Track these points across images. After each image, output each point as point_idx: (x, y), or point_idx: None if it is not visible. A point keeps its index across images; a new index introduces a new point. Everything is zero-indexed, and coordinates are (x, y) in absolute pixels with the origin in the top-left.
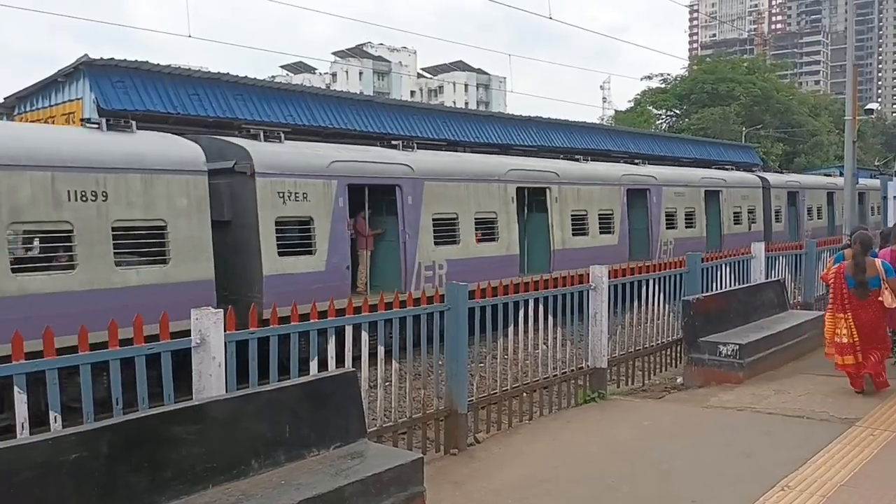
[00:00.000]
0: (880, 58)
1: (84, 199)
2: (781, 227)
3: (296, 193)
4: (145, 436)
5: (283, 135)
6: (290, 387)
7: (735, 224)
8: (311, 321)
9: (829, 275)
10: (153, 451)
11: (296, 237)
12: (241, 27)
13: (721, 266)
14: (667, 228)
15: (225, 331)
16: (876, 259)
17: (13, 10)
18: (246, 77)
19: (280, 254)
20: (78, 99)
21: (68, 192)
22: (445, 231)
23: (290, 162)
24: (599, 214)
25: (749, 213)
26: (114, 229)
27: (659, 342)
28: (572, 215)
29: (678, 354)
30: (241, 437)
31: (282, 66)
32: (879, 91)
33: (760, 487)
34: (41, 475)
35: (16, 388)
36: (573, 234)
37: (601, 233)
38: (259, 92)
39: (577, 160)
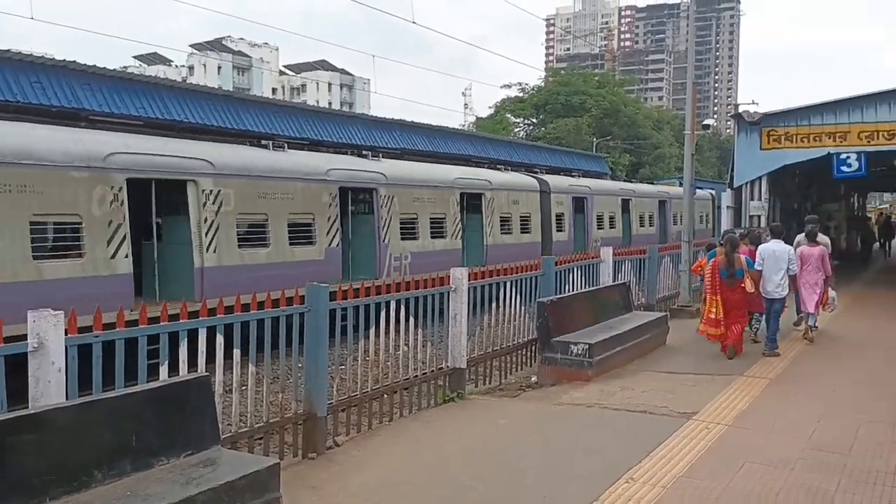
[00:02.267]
0: (717, 77)
1: None
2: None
3: None
4: None
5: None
6: (136, 393)
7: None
8: (161, 324)
9: (705, 268)
10: None
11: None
12: (93, 14)
13: (573, 269)
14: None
15: (66, 334)
16: (741, 255)
17: None
18: (95, 66)
19: None
20: None
21: None
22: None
23: None
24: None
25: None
26: None
27: (515, 342)
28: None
29: (533, 354)
30: (83, 447)
31: (135, 57)
32: (715, 108)
33: (607, 481)
34: None
35: None
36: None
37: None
38: (109, 82)
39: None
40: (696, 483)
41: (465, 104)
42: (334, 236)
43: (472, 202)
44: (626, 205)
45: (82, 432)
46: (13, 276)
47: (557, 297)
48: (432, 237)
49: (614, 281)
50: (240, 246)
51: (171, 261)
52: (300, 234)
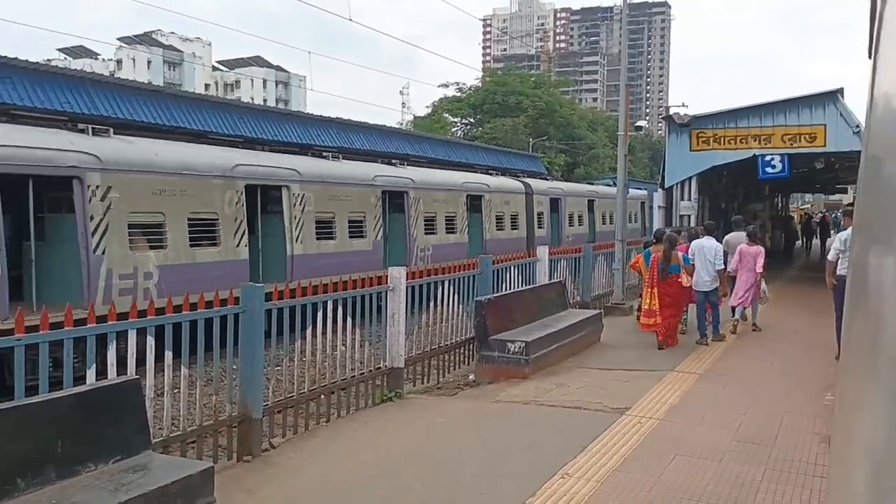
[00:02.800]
0: (648, 80)
1: None
2: (544, 233)
3: None
4: None
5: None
6: (60, 398)
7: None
8: (89, 325)
9: (641, 264)
10: None
11: None
12: (12, 4)
13: (510, 268)
14: (425, 234)
15: None
16: (678, 252)
17: None
18: (16, 58)
19: None
20: None
21: None
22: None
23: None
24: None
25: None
26: None
27: (453, 341)
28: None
29: (471, 352)
30: (3, 456)
31: (59, 49)
32: (647, 110)
33: (543, 476)
34: None
35: None
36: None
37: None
38: (32, 75)
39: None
40: (629, 476)
41: (403, 103)
42: (379, 231)
43: (473, 203)
44: (591, 205)
45: (1, 440)
46: (177, 259)
47: (495, 295)
48: (447, 232)
49: (550, 279)
50: (317, 238)
51: (269, 250)
52: (356, 228)
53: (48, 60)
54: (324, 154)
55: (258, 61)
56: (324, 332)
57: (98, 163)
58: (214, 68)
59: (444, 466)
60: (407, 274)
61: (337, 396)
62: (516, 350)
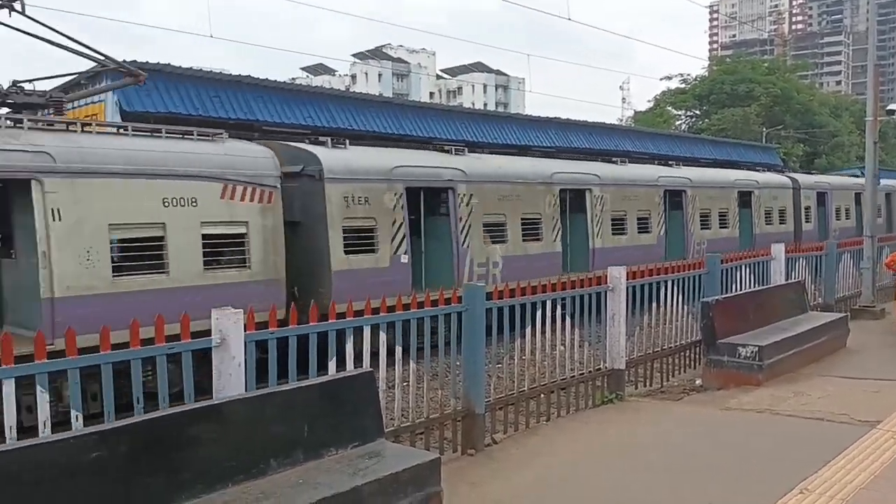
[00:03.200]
0: None
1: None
2: (811, 227)
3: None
4: (165, 435)
5: (347, 141)
6: (308, 386)
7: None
8: (329, 322)
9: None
10: (173, 451)
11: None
12: (261, 28)
13: (741, 267)
14: (701, 229)
15: (245, 331)
16: None
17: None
18: (266, 79)
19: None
20: (100, 101)
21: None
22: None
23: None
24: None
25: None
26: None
27: (677, 344)
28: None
29: (697, 356)
30: (260, 437)
31: (302, 69)
32: None
33: (779, 490)
34: (61, 474)
35: (38, 388)
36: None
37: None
38: (279, 94)
39: (614, 162)
40: (879, 496)
41: (623, 98)
42: (662, 227)
43: (743, 198)
44: (857, 198)
45: (260, 423)
46: (515, 251)
47: (723, 296)
48: (720, 227)
49: (787, 279)
50: (612, 234)
51: (575, 244)
52: (643, 224)
53: (293, 79)
54: (613, 159)
55: (479, 67)
56: (543, 332)
57: (464, 176)
58: (438, 77)
59: (668, 472)
60: (627, 273)
61: (557, 396)
62: (748, 355)
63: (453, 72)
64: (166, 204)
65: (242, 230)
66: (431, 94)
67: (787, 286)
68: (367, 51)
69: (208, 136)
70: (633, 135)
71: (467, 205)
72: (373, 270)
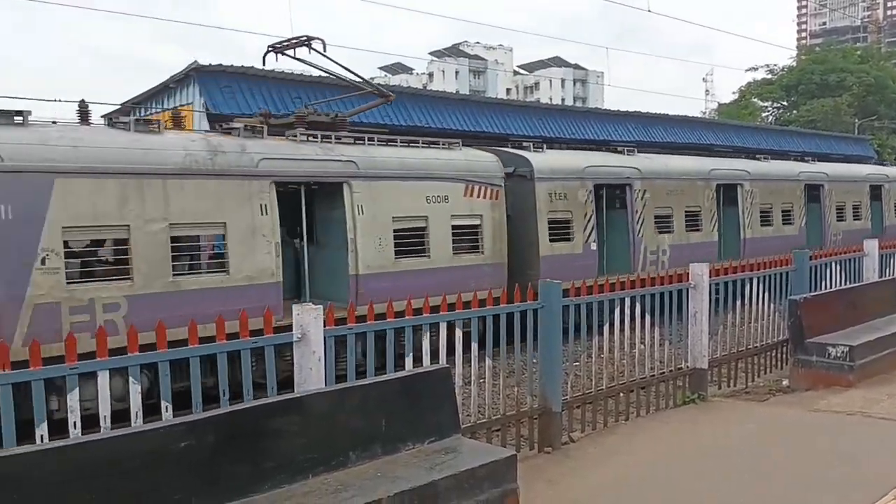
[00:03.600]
0: None
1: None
2: None
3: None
4: (249, 427)
5: (545, 146)
6: (386, 381)
7: None
8: (406, 318)
9: None
10: (257, 442)
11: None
12: (339, 29)
13: (830, 264)
14: (837, 220)
15: (324, 326)
16: None
17: (112, 15)
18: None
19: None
20: (188, 104)
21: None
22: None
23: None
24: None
25: None
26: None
27: (763, 343)
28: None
29: (784, 356)
30: (340, 430)
31: (380, 68)
32: None
33: (870, 495)
34: (152, 462)
35: (130, 379)
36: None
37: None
38: (357, 92)
39: (758, 159)
40: None
41: (707, 90)
42: (803, 219)
43: (874, 192)
44: None
45: (339, 417)
46: (679, 240)
47: (812, 294)
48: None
49: (881, 277)
50: (760, 225)
51: (727, 235)
52: (786, 217)
53: (371, 78)
54: (758, 157)
55: (556, 62)
56: (622, 330)
57: (639, 174)
58: (515, 73)
59: (753, 473)
60: (710, 271)
61: (636, 395)
62: (838, 355)
63: (530, 67)
64: (428, 201)
65: (478, 221)
66: (508, 90)
67: (880, 283)
68: (444, 49)
69: (448, 145)
70: (717, 128)
71: (641, 199)
72: (570, 256)
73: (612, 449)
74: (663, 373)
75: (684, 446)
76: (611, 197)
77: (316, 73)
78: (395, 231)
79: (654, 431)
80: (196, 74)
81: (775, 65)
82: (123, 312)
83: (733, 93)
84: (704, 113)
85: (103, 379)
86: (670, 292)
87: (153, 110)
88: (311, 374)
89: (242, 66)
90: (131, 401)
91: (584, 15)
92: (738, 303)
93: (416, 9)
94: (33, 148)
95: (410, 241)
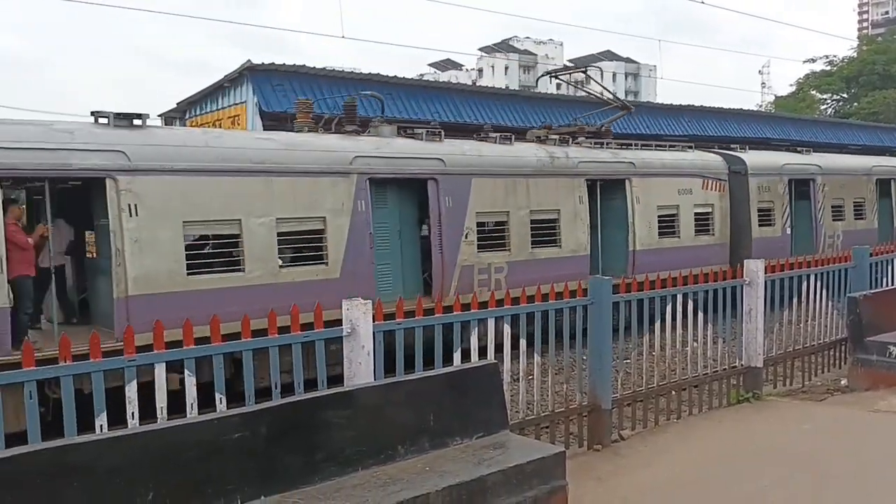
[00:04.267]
0: None
1: None
2: None
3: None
4: (301, 419)
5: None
6: (434, 376)
7: None
8: (454, 313)
9: None
10: (308, 434)
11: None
12: (389, 26)
13: (892, 261)
14: None
15: (374, 321)
16: None
17: (168, 16)
18: (395, 76)
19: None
20: (242, 102)
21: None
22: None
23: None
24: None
25: None
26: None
27: (820, 341)
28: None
29: (842, 355)
30: (388, 424)
31: (430, 64)
32: None
33: None
34: (207, 452)
35: (186, 372)
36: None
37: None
38: (407, 90)
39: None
40: None
41: (763, 83)
42: (875, 214)
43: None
44: None
45: (388, 411)
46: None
47: (872, 291)
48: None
49: None
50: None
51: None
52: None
53: (420, 75)
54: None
55: (608, 56)
56: (673, 327)
57: (820, 170)
58: (565, 67)
59: (810, 475)
60: (766, 267)
61: (688, 393)
62: None
63: (581, 62)
64: (679, 193)
65: (710, 210)
66: (559, 85)
67: None
68: (494, 44)
69: (682, 147)
70: (773, 121)
71: (822, 191)
72: (772, 238)
73: (664, 447)
74: (716, 371)
75: (738, 447)
76: (798, 189)
77: (366, 69)
78: (658, 216)
79: (707, 430)
80: (249, 73)
81: (835, 56)
82: (504, 273)
83: (791, 85)
84: (760, 106)
85: (160, 370)
86: (724, 289)
87: (207, 110)
88: (361, 369)
89: (294, 65)
90: (186, 392)
91: (635, 8)
92: (795, 300)
93: (465, 4)
94: (455, 157)
95: (667, 224)
